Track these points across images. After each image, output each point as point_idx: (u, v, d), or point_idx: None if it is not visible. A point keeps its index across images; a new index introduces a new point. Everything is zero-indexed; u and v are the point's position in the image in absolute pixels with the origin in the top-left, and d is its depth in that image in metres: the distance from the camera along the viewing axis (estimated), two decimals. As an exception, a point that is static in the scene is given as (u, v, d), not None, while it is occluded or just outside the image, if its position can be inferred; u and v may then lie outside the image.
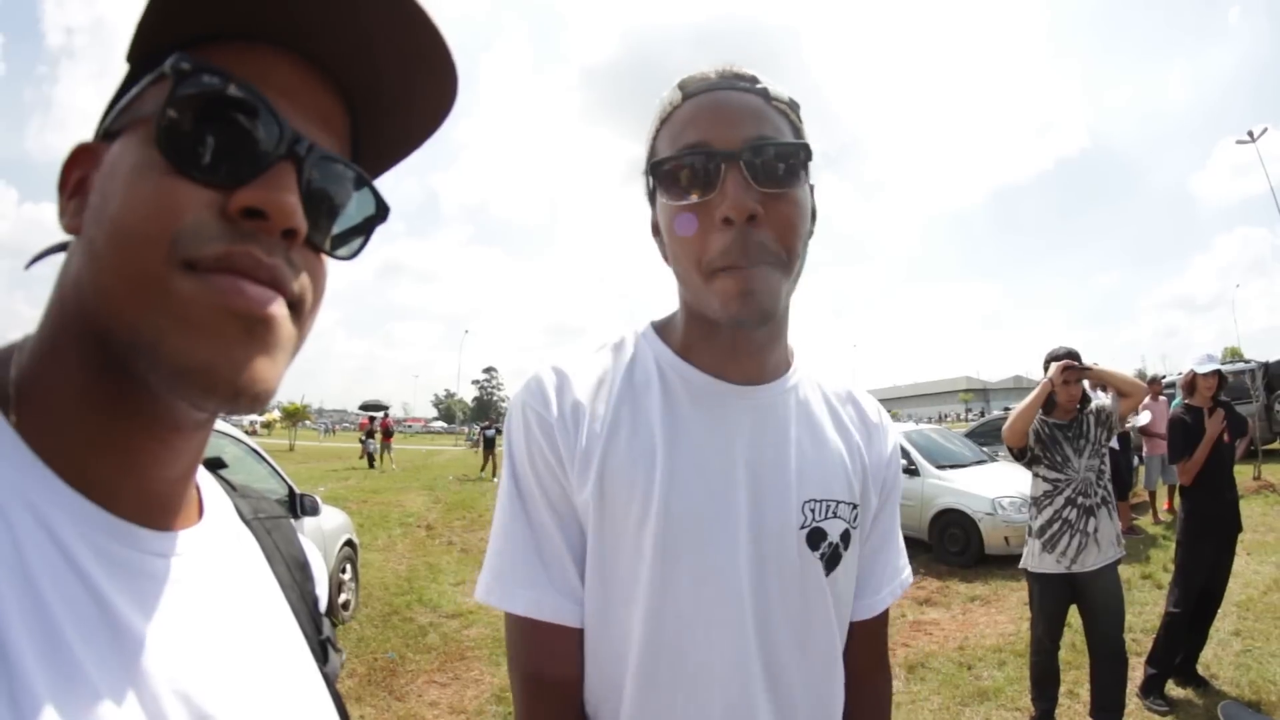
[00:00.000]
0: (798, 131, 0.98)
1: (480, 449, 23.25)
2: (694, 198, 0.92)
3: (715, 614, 0.97)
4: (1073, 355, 4.12)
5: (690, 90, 0.97)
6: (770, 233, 0.90)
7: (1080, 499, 3.98)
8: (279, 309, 0.54)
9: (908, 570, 1.22)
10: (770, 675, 1.00)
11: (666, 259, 1.05)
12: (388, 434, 25.99)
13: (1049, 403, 4.16)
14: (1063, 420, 4.13)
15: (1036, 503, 4.15)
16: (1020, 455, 4.21)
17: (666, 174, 0.95)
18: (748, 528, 0.99)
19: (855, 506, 1.07)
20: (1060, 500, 4.02)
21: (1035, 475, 4.19)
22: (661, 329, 1.11)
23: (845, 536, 1.05)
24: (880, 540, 1.17)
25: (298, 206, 0.54)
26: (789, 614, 1.01)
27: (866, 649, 1.17)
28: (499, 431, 21.06)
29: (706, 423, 1.02)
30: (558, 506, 1.01)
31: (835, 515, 1.04)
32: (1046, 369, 4.16)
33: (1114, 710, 3.99)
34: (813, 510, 1.03)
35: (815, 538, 1.02)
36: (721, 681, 0.97)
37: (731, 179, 0.89)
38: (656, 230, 1.06)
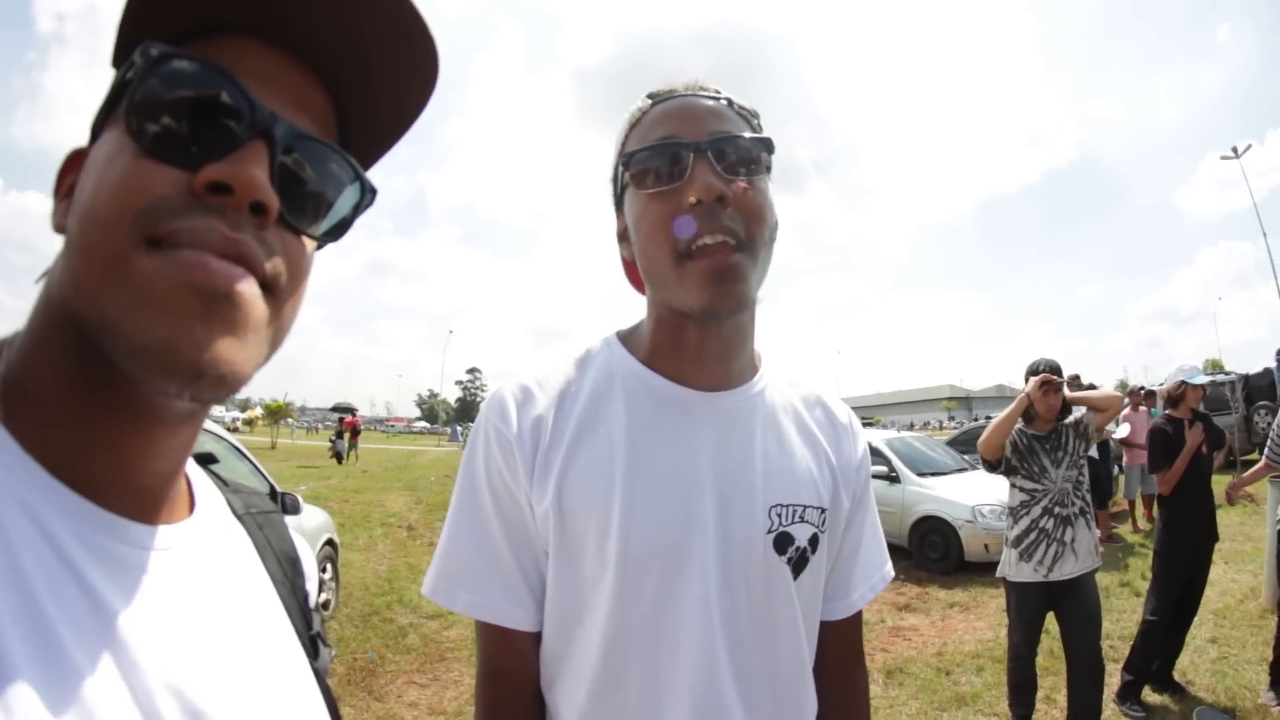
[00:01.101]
0: (759, 134, 1.02)
1: None
2: (664, 186, 0.96)
3: (681, 620, 0.98)
4: (1054, 368, 4.15)
5: (659, 98, 1.03)
6: (737, 216, 0.93)
7: (1057, 509, 4.01)
8: (247, 286, 0.53)
9: (888, 565, 1.24)
10: (739, 678, 1.00)
11: (629, 271, 1.11)
12: (355, 433, 27.82)
13: (1028, 414, 4.19)
14: (1041, 431, 4.15)
15: (1013, 512, 4.17)
16: (993, 467, 4.25)
17: (638, 164, 0.98)
18: (714, 534, 1.00)
19: (823, 511, 1.07)
20: (1037, 510, 4.04)
21: (1012, 485, 4.21)
22: (626, 338, 1.12)
23: (814, 541, 1.06)
24: (856, 542, 1.18)
25: (264, 180, 0.53)
26: (756, 618, 1.02)
27: (842, 644, 1.19)
28: None
29: (670, 430, 1.03)
30: (508, 518, 1.03)
31: (802, 520, 1.05)
32: (1028, 381, 4.19)
33: (1091, 716, 4.02)
34: (779, 515, 1.03)
35: (782, 542, 1.03)
36: (689, 686, 0.98)
37: (699, 166, 0.94)
38: (623, 237, 1.08)
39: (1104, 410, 4.14)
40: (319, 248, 0.64)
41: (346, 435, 27.01)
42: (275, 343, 0.59)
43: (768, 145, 0.99)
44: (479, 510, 1.04)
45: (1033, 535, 4.03)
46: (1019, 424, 4.23)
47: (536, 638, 1.05)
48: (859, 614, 1.22)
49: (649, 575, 0.98)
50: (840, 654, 1.18)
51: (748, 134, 0.99)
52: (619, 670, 0.99)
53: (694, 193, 0.92)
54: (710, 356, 1.03)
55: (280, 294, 0.57)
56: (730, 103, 1.02)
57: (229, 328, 0.52)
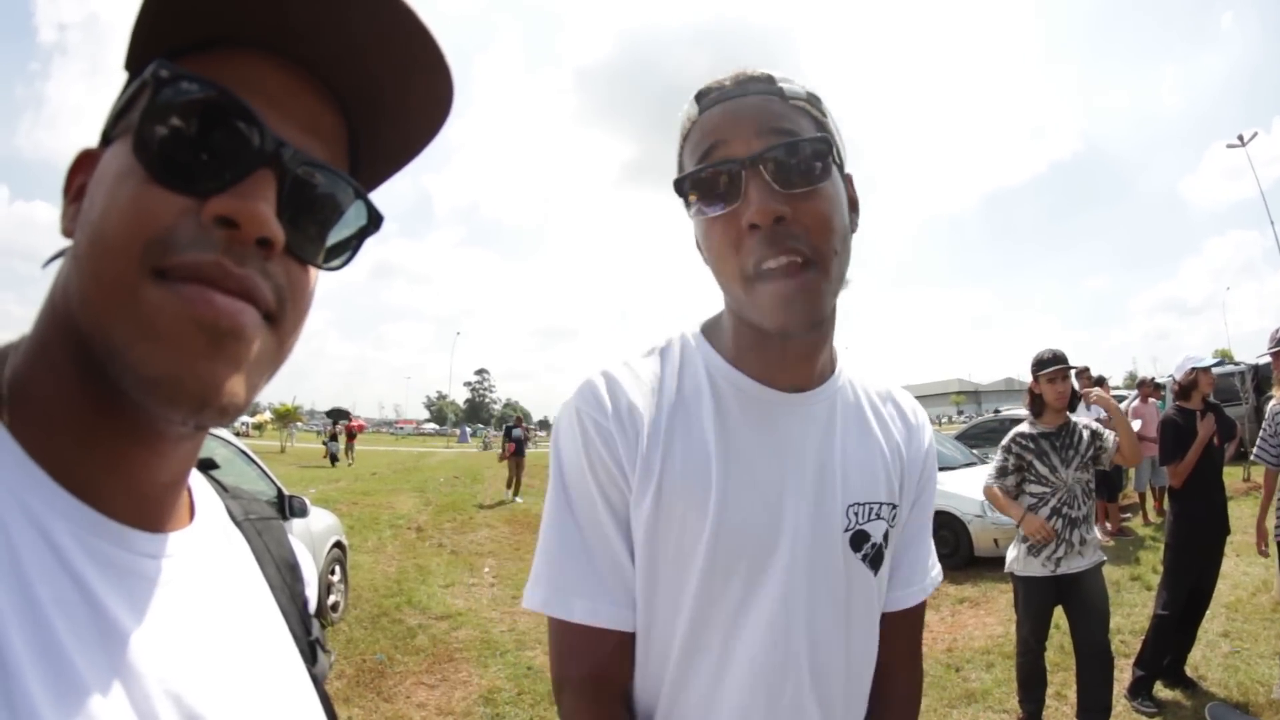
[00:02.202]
0: (820, 126, 0.97)
1: (507, 457, 16.39)
2: (721, 209, 0.93)
3: (762, 618, 1.00)
4: (1059, 357, 4.10)
5: (706, 101, 0.98)
6: (801, 232, 0.90)
7: (1066, 509, 3.96)
8: (250, 320, 0.53)
9: (937, 569, 1.23)
10: (815, 675, 1.03)
11: None
12: (350, 436, 30.08)
13: (1038, 406, 4.15)
14: (1050, 428, 4.09)
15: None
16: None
17: (691, 189, 0.96)
18: (797, 535, 1.01)
19: (895, 507, 1.10)
20: (1046, 511, 3.98)
21: (1019, 495, 4.13)
22: (710, 332, 1.11)
23: (886, 536, 1.09)
24: (914, 534, 1.19)
25: (270, 216, 0.53)
26: (835, 616, 1.04)
27: (902, 640, 1.18)
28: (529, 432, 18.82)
29: (757, 432, 1.03)
30: (618, 511, 1.02)
31: (878, 517, 1.07)
32: (1035, 373, 4.14)
33: (1101, 711, 3.99)
34: (856, 514, 1.06)
35: (859, 540, 1.05)
36: (767, 682, 1.00)
37: (754, 185, 0.89)
38: (700, 245, 1.05)
39: (1123, 454, 4.06)
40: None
41: (342, 438, 28.76)
42: (277, 368, 0.60)
43: (827, 143, 0.94)
44: (583, 507, 1.02)
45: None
46: (1027, 422, 4.19)
47: (635, 638, 1.03)
48: (921, 610, 1.21)
49: (735, 575, 0.99)
50: (900, 649, 1.17)
51: (806, 133, 0.94)
52: (697, 663, 1.01)
53: (750, 218, 0.89)
54: (793, 360, 1.04)
55: (284, 324, 0.58)
56: (783, 94, 0.96)
57: (233, 363, 0.53)
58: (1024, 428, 4.19)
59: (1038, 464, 4.04)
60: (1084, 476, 4.02)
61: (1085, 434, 4.07)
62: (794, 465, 1.03)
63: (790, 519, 1.01)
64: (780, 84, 0.96)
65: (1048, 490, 4.01)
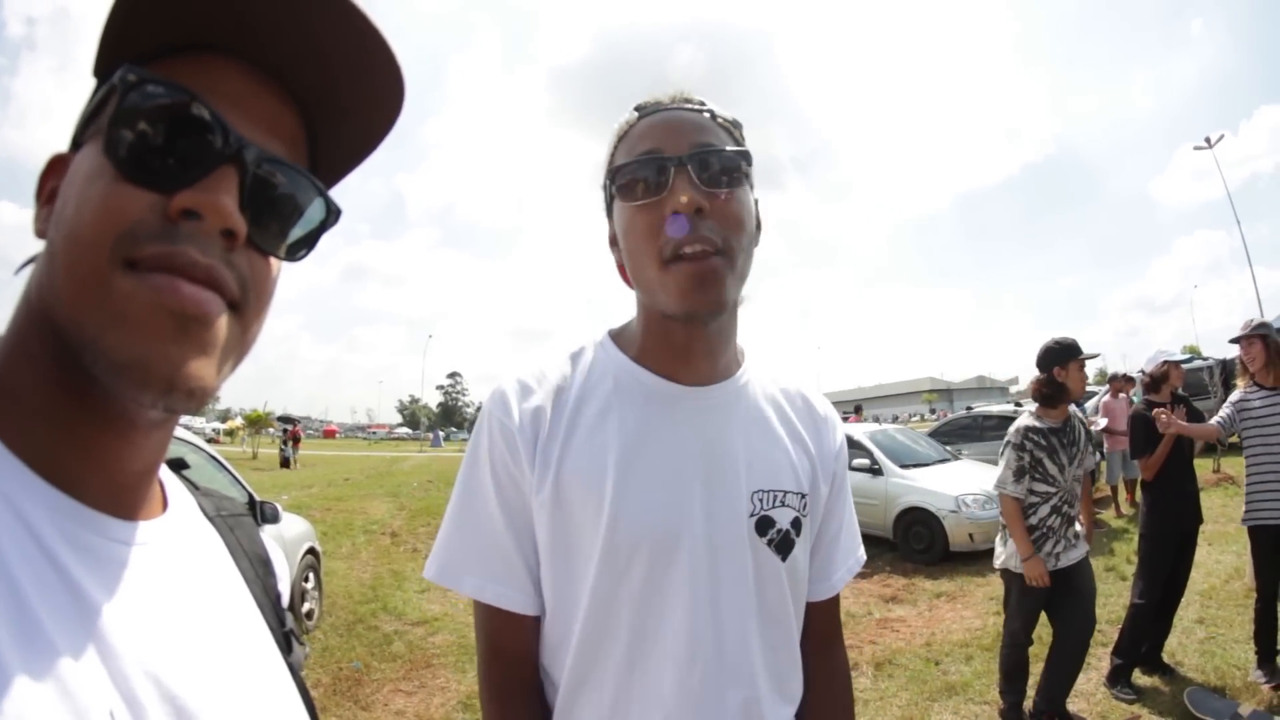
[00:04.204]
0: (739, 145, 1.09)
1: None
2: (648, 199, 1.02)
3: (668, 602, 1.06)
4: (1075, 347, 4.06)
5: (645, 111, 1.10)
6: (716, 226, 1.00)
7: (1065, 508, 3.97)
8: (215, 308, 0.56)
9: (860, 549, 1.33)
10: (724, 656, 1.07)
11: (622, 274, 1.16)
12: (296, 440, 31.44)
13: (1059, 394, 4.02)
14: (1057, 423, 4.05)
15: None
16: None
17: (624, 178, 1.05)
18: (701, 520, 1.07)
19: (804, 496, 1.16)
20: (1045, 509, 3.97)
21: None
22: (618, 336, 1.20)
23: (796, 524, 1.14)
24: (836, 528, 1.27)
25: (233, 208, 0.57)
26: (742, 596, 1.09)
27: (824, 622, 1.28)
28: None
29: (660, 423, 1.10)
30: (511, 507, 1.09)
31: (784, 504, 1.13)
32: (1063, 360, 4.02)
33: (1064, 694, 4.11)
34: (761, 500, 1.11)
35: (763, 525, 1.11)
36: (675, 666, 1.05)
37: (680, 179, 1.00)
38: (614, 242, 1.15)
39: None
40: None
41: (290, 443, 30.30)
42: (242, 355, 0.63)
43: (746, 157, 1.06)
44: (483, 499, 1.10)
45: (1040, 531, 3.98)
46: (1032, 416, 4.10)
47: (536, 621, 1.11)
48: (838, 594, 1.30)
49: (638, 561, 1.04)
50: (823, 631, 1.27)
51: (728, 147, 1.05)
52: (605, 648, 1.06)
53: (674, 205, 0.98)
54: (696, 354, 1.11)
55: (247, 313, 0.61)
56: (713, 115, 1.08)
57: (199, 347, 0.55)
58: (1033, 422, 4.07)
59: (1048, 461, 3.98)
60: (1079, 473, 4.02)
61: (1080, 429, 4.08)
62: (696, 455, 1.09)
63: (692, 506, 1.07)
64: (711, 107, 1.09)
65: (1053, 490, 3.97)
